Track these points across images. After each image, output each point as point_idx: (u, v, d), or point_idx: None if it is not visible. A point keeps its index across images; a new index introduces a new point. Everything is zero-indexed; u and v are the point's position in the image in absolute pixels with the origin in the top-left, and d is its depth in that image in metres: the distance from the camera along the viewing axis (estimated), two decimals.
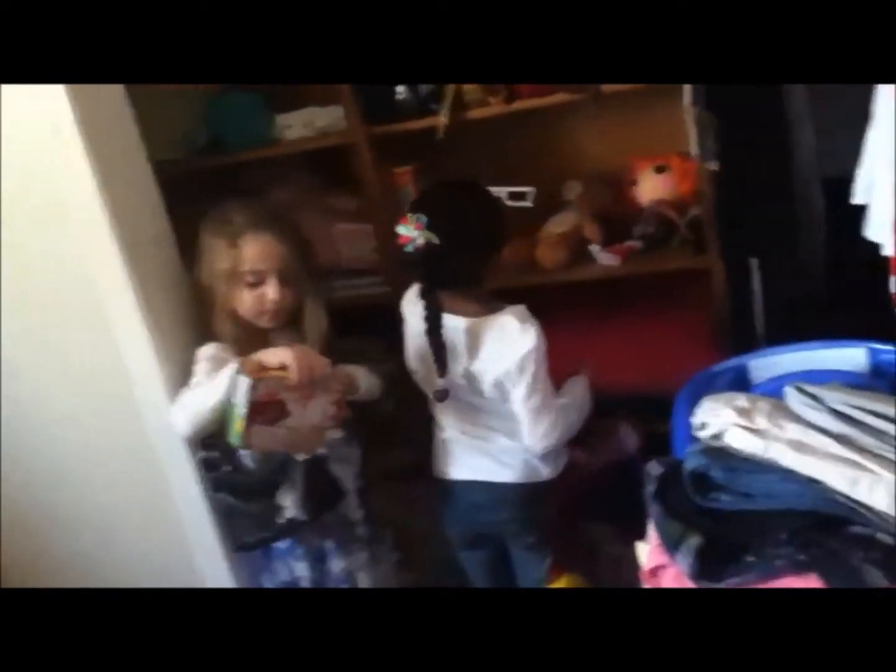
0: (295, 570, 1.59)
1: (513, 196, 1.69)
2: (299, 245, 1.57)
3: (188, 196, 1.71)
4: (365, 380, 1.56)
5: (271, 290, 1.51)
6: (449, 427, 1.61)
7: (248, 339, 1.53)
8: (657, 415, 1.51)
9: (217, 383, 1.39)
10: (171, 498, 1.68)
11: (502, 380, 1.49)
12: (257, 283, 1.51)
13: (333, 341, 1.61)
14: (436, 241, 1.42)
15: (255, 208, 1.58)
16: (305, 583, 1.60)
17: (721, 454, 1.06)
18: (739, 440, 1.03)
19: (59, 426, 1.73)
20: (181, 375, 1.55)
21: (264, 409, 1.35)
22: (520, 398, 1.48)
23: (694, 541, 1.03)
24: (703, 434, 1.09)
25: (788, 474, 1.01)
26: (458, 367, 1.49)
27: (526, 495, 1.58)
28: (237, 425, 1.33)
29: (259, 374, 1.35)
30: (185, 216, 1.65)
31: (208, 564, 1.70)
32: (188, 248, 1.62)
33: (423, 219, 1.42)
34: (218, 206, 1.58)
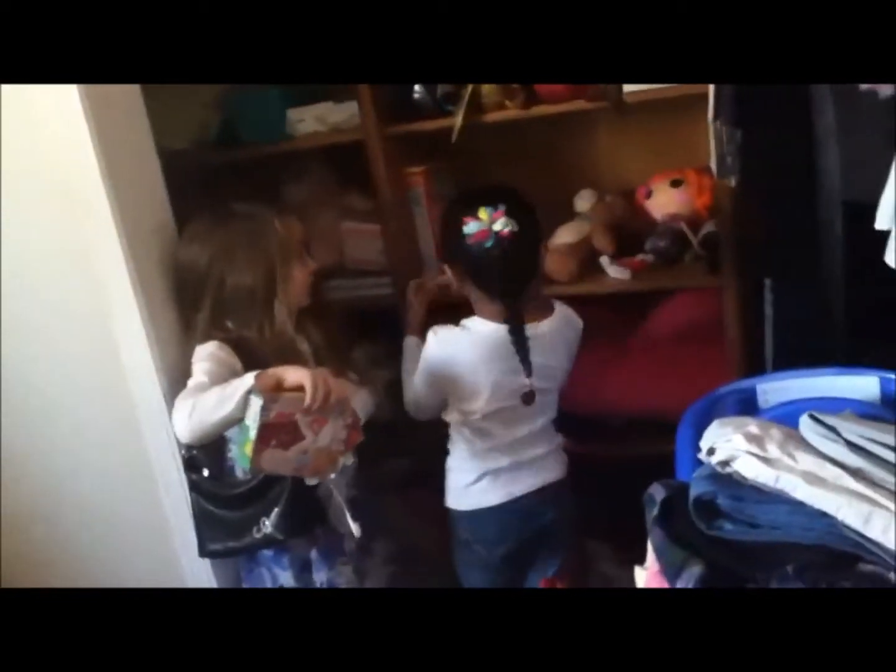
0: (279, 578, 1.54)
1: None
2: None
3: (195, 187, 1.69)
4: (362, 406, 1.52)
5: (309, 260, 1.56)
6: (494, 447, 1.58)
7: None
8: (661, 434, 1.48)
9: (228, 394, 1.30)
10: (160, 497, 1.65)
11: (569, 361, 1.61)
12: (301, 257, 1.54)
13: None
14: (516, 228, 1.41)
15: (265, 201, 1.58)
16: None
17: (729, 481, 1.02)
18: (750, 468, 0.99)
19: (51, 415, 1.70)
20: (175, 367, 1.53)
21: (277, 431, 1.27)
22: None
23: (696, 569, 0.99)
24: (710, 459, 1.05)
25: (798, 506, 0.97)
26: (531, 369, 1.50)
27: (564, 488, 1.64)
28: (247, 448, 1.26)
29: (274, 392, 1.28)
30: (189, 208, 1.62)
31: (192, 567, 1.66)
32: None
33: (503, 206, 1.41)
34: (238, 207, 1.55)
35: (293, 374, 1.31)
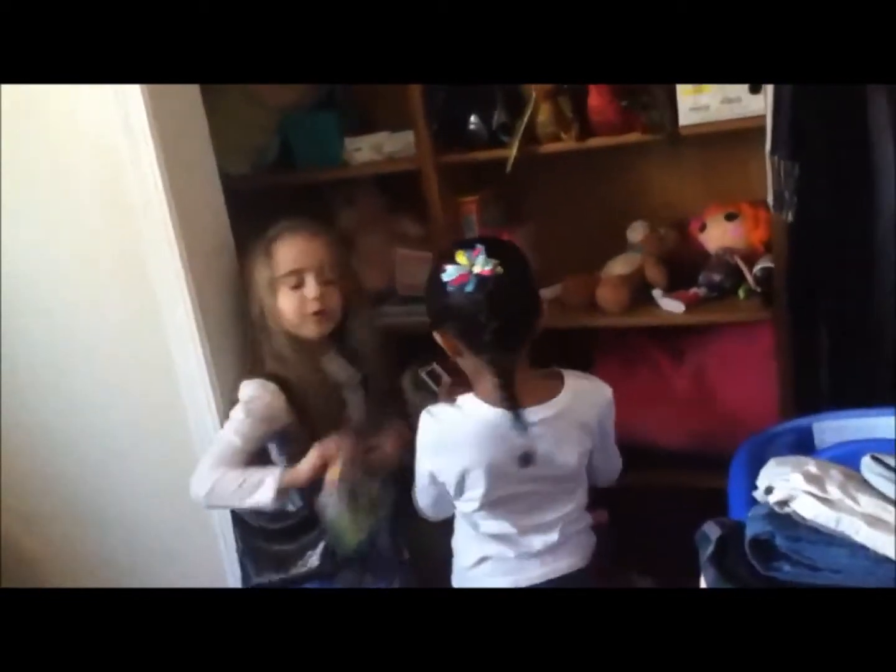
0: None
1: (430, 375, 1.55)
2: (335, 243, 1.57)
3: (253, 210, 1.72)
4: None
5: (310, 289, 1.49)
6: (497, 536, 1.39)
7: (301, 361, 1.50)
8: (712, 471, 1.45)
9: (248, 486, 1.37)
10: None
11: (594, 441, 1.40)
12: (297, 286, 1.50)
13: (388, 359, 1.59)
14: (501, 270, 1.29)
15: (288, 220, 1.57)
16: None
17: (786, 522, 1.00)
18: (809, 509, 0.97)
19: (103, 427, 1.76)
20: (228, 380, 1.57)
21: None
22: (609, 441, 1.44)
23: None
24: (768, 498, 1.03)
25: (859, 550, 0.95)
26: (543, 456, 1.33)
27: (584, 575, 1.43)
28: (349, 534, 1.40)
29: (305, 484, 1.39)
30: (248, 230, 1.66)
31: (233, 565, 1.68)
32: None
33: (480, 246, 1.32)
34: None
35: (308, 462, 1.39)
